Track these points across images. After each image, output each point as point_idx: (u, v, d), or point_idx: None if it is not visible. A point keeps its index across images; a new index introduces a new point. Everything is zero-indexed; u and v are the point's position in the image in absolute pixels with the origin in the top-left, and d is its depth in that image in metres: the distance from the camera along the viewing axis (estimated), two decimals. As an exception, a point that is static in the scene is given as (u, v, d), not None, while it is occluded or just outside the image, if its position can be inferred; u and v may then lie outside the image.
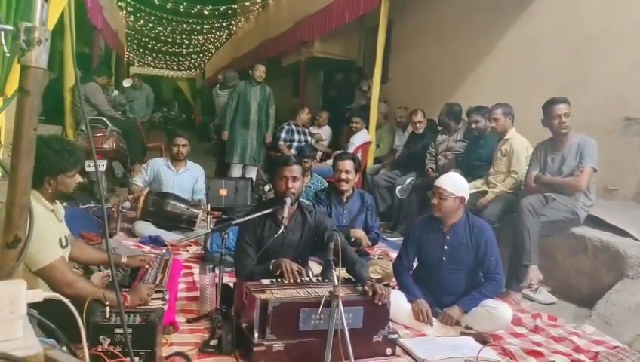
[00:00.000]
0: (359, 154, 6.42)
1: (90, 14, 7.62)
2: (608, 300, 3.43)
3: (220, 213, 5.25)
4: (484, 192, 4.55)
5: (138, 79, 10.50)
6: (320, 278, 2.86)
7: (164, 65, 24.86)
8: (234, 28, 16.54)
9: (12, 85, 2.90)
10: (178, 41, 18.16)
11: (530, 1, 5.72)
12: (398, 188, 5.70)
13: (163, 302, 2.63)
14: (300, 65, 10.50)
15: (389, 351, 2.61)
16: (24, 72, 1.39)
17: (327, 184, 4.98)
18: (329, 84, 11.22)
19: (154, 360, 2.10)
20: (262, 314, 2.37)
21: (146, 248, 4.22)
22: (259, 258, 2.89)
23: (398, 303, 3.00)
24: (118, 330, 2.02)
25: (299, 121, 7.33)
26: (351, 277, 2.83)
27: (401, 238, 3.99)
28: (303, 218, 3.03)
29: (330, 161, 6.71)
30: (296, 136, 7.19)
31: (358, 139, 6.96)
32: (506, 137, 4.57)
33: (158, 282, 2.80)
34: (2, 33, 1.44)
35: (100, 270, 3.07)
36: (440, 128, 5.95)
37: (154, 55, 21.97)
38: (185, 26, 15.76)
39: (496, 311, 2.99)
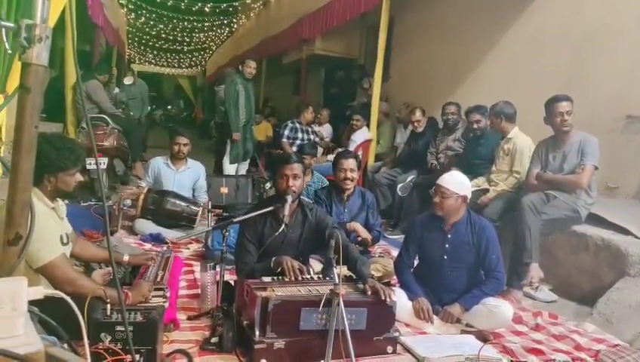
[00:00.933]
0: (360, 152, 6.42)
1: (91, 12, 7.62)
2: (609, 298, 3.42)
3: (221, 210, 5.25)
4: (486, 190, 4.54)
5: (130, 75, 10.22)
6: (321, 276, 2.86)
7: (165, 63, 24.85)
8: (235, 25, 16.52)
9: (13, 83, 2.90)
10: (179, 38, 18.16)
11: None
12: (399, 186, 5.70)
13: (164, 300, 2.63)
14: (301, 62, 10.49)
15: (389, 349, 2.61)
16: (25, 70, 1.39)
17: (327, 183, 4.97)
18: (330, 82, 11.22)
19: (155, 358, 2.10)
20: (263, 312, 2.37)
21: (147, 246, 4.23)
22: (259, 255, 2.89)
23: (399, 301, 2.98)
24: (119, 328, 2.02)
25: (302, 119, 7.33)
26: (352, 274, 2.83)
27: (402, 236, 3.99)
28: (304, 215, 3.03)
29: (331, 156, 6.73)
30: (299, 135, 7.19)
31: (359, 137, 6.96)
32: (508, 136, 4.55)
33: (159, 280, 2.80)
34: (3, 30, 1.44)
35: (100, 267, 3.08)
36: (440, 127, 5.95)
37: (155, 52, 21.97)
38: (186, 23, 15.75)
39: (497, 309, 2.99)
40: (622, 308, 3.32)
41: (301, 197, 3.10)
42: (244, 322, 2.50)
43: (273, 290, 2.50)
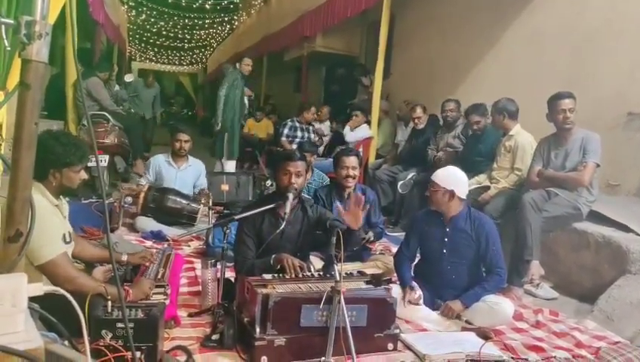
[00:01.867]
0: (360, 149, 6.41)
1: (91, 9, 7.61)
2: (610, 295, 3.42)
3: (222, 208, 5.25)
4: (487, 187, 4.54)
5: (152, 78, 10.55)
6: (321, 273, 2.86)
7: (165, 60, 24.88)
8: (236, 22, 16.53)
9: (13, 79, 2.89)
10: (180, 35, 18.17)
11: (532, -3, 5.71)
12: (399, 183, 5.69)
13: (165, 297, 2.64)
14: (302, 60, 10.48)
15: (390, 346, 2.61)
16: (25, 66, 1.39)
17: (328, 180, 4.96)
18: (331, 79, 11.21)
19: (155, 355, 2.10)
20: (263, 309, 2.37)
21: (148, 243, 4.23)
22: (259, 251, 2.89)
23: (399, 298, 3.00)
24: (119, 325, 2.02)
25: (303, 119, 7.32)
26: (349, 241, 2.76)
27: (403, 234, 3.99)
28: (304, 211, 3.04)
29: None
30: (299, 133, 7.18)
31: (359, 133, 6.93)
32: (510, 133, 4.53)
33: (159, 277, 2.80)
34: (3, 27, 1.44)
35: (101, 265, 3.08)
36: (441, 124, 5.94)
37: (156, 50, 21.99)
38: (187, 20, 15.76)
39: (498, 307, 3.00)
40: (623, 305, 3.32)
41: (301, 194, 3.10)
42: (245, 319, 2.50)
43: (274, 287, 2.50)
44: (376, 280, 2.77)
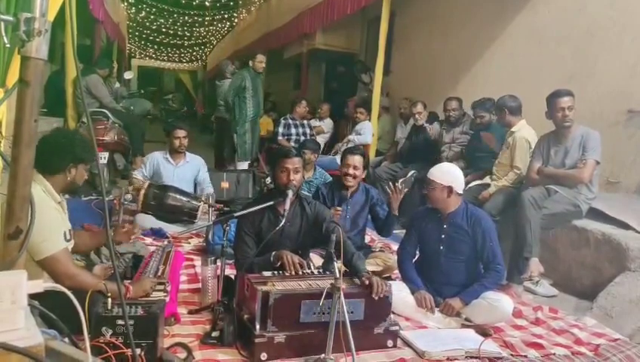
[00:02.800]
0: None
1: (91, 6, 7.60)
2: (609, 293, 3.43)
3: (222, 205, 5.25)
4: (487, 185, 4.53)
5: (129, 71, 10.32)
6: (321, 270, 2.86)
7: (165, 58, 24.86)
8: (235, 20, 16.51)
9: (13, 77, 2.89)
10: (180, 33, 18.15)
11: (534, -7, 5.70)
12: (399, 180, 5.68)
13: (165, 294, 2.64)
14: (302, 57, 10.47)
15: (390, 342, 2.62)
16: (24, 63, 1.39)
17: (330, 178, 4.96)
18: (331, 76, 11.20)
19: (155, 352, 2.11)
20: (263, 306, 2.37)
21: (148, 240, 4.23)
22: (258, 248, 2.89)
23: (400, 295, 3.00)
24: (120, 321, 2.02)
25: (296, 114, 7.31)
26: (347, 269, 2.82)
27: (403, 231, 3.99)
28: (302, 209, 3.03)
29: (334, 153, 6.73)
30: (293, 130, 7.17)
31: (366, 130, 6.89)
32: (512, 130, 4.51)
33: (159, 274, 2.81)
34: (2, 24, 1.44)
35: (102, 262, 3.08)
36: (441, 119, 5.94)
37: (155, 47, 21.96)
38: (186, 18, 15.74)
39: (498, 304, 2.99)
40: (622, 302, 3.32)
41: (300, 191, 3.10)
42: (245, 316, 2.50)
43: (273, 284, 2.50)
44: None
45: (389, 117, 7.80)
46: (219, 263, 2.88)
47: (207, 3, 13.62)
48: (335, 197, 3.97)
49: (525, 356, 2.66)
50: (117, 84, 8.03)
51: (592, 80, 4.82)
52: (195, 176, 5.09)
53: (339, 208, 3.81)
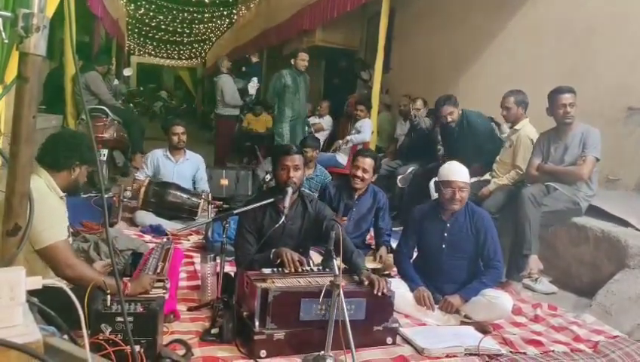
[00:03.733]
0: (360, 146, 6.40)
1: (90, 3, 7.59)
2: (608, 290, 3.43)
3: (221, 202, 5.25)
4: (487, 181, 4.52)
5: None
6: (320, 268, 2.86)
7: (165, 55, 24.81)
8: (235, 16, 16.48)
9: (11, 73, 2.88)
10: (179, 29, 18.12)
11: (534, -11, 5.69)
12: (398, 177, 5.69)
13: (164, 291, 2.63)
14: (302, 54, 10.42)
15: (389, 340, 2.62)
16: (23, 59, 1.38)
17: (330, 177, 4.95)
18: (331, 74, 11.17)
19: (155, 349, 2.10)
20: (262, 303, 2.37)
21: (147, 237, 4.23)
22: (260, 246, 2.89)
23: (398, 292, 2.98)
24: (119, 318, 2.02)
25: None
26: (346, 267, 2.82)
27: (402, 228, 3.98)
28: (304, 207, 3.03)
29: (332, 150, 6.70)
30: None
31: (366, 127, 6.88)
32: (515, 127, 4.47)
33: (159, 271, 2.80)
34: (0, 19, 1.43)
35: (101, 259, 3.08)
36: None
37: (155, 44, 21.93)
38: (186, 14, 15.72)
39: (497, 301, 3.00)
40: (621, 299, 3.33)
41: (302, 188, 3.10)
42: (244, 313, 2.50)
43: (273, 282, 2.50)
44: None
45: (388, 114, 7.79)
46: (218, 260, 2.88)
47: (206, 0, 13.59)
48: (342, 199, 3.89)
49: (524, 353, 2.66)
50: (116, 81, 8.02)
51: (591, 76, 4.81)
52: (194, 174, 5.08)
53: (344, 218, 3.78)
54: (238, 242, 3.00)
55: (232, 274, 2.97)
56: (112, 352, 1.93)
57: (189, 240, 4.39)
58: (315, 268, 2.81)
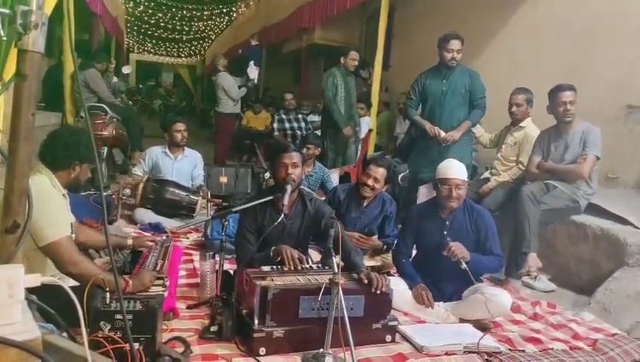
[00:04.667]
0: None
1: (89, 0, 7.57)
2: (607, 288, 3.44)
3: (221, 200, 5.25)
4: (487, 179, 4.52)
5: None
6: (320, 265, 2.86)
7: (164, 52, 24.78)
8: (234, 14, 16.44)
9: (10, 70, 2.88)
10: (178, 27, 18.09)
11: (534, -12, 5.68)
12: (400, 175, 5.68)
13: (163, 289, 2.63)
14: (301, 52, 10.43)
15: (388, 337, 2.62)
16: (21, 57, 1.38)
17: (328, 173, 4.94)
18: (330, 72, 11.15)
19: (154, 346, 2.10)
20: (262, 301, 2.37)
21: (147, 235, 4.22)
22: (260, 245, 2.89)
23: (397, 290, 2.99)
24: (118, 316, 2.02)
25: (288, 105, 7.29)
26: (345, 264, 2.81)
27: (400, 227, 3.97)
28: (304, 206, 3.03)
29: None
30: (287, 125, 7.16)
31: (364, 125, 6.88)
32: (521, 125, 4.46)
33: (158, 269, 2.80)
34: (-1, 17, 1.43)
35: (100, 256, 3.08)
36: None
37: (154, 42, 21.90)
38: (185, 12, 15.69)
39: (496, 298, 2.99)
40: (620, 297, 3.33)
41: (301, 187, 3.10)
42: (244, 311, 2.51)
43: (272, 279, 2.50)
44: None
45: (388, 112, 7.79)
46: (217, 258, 2.88)
47: (205, -3, 13.59)
48: (350, 206, 3.83)
49: (523, 351, 2.67)
50: (115, 79, 8.01)
51: (591, 75, 4.81)
52: (192, 170, 5.08)
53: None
54: (238, 241, 2.99)
55: (232, 271, 2.98)
56: (111, 350, 1.93)
57: (188, 238, 4.39)
58: (314, 266, 2.81)
